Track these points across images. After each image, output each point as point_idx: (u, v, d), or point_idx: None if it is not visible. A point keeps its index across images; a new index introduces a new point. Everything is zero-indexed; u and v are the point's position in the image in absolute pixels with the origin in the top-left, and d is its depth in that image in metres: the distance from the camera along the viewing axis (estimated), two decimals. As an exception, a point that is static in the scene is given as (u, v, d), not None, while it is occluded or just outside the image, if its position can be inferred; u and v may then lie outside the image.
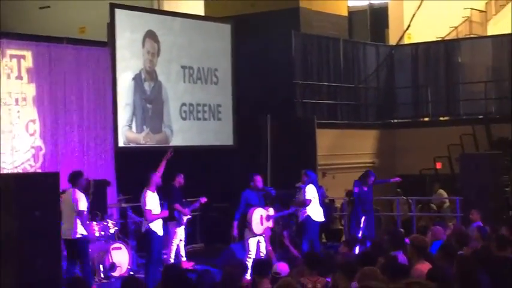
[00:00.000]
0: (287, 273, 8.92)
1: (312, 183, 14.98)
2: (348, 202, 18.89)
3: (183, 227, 14.77)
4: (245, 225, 13.76)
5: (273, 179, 17.77)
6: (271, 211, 14.09)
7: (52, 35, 16.95)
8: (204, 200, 14.98)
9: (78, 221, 12.18)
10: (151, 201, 12.85)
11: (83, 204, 12.23)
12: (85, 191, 12.59)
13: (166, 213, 13.37)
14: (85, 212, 12.30)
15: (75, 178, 12.41)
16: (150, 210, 12.79)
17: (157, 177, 13.03)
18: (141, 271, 14.12)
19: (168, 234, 14.61)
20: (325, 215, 15.31)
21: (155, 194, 12.98)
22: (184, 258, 14.92)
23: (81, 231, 12.24)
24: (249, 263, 12.82)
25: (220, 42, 19.47)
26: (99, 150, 16.59)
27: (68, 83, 16.11)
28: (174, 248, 14.63)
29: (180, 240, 14.85)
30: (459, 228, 11.90)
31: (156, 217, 12.85)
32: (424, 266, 7.84)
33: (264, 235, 13.91)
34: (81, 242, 12.27)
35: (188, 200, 15.23)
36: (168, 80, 18.18)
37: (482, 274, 7.36)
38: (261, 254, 13.69)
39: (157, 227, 12.88)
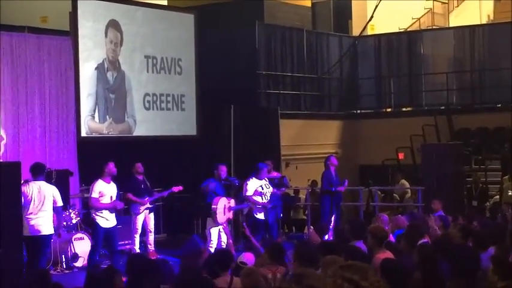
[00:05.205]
0: (253, 263, 8.93)
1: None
2: (311, 192, 18.97)
3: (142, 216, 14.65)
4: (208, 214, 13.72)
5: (236, 169, 17.76)
6: (232, 202, 14.06)
7: (13, 24, 16.74)
8: (177, 188, 14.91)
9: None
10: (100, 190, 12.75)
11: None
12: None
13: (113, 204, 12.86)
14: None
15: (40, 170, 11.96)
16: (96, 199, 12.71)
17: (110, 167, 12.88)
18: (104, 261, 14.06)
19: (131, 225, 14.63)
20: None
21: (108, 184, 12.87)
22: (152, 248, 14.88)
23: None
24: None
25: (183, 32, 19.39)
26: (62, 140, 16.43)
27: (30, 72, 15.92)
28: (137, 239, 14.60)
29: (150, 231, 14.81)
30: (418, 218, 12.01)
31: (100, 206, 12.68)
32: (385, 255, 7.91)
33: (224, 225, 13.89)
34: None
35: (158, 189, 15.18)
36: (131, 70, 18.09)
37: (442, 263, 7.42)
38: (222, 244, 13.69)
39: (101, 218, 12.71)
